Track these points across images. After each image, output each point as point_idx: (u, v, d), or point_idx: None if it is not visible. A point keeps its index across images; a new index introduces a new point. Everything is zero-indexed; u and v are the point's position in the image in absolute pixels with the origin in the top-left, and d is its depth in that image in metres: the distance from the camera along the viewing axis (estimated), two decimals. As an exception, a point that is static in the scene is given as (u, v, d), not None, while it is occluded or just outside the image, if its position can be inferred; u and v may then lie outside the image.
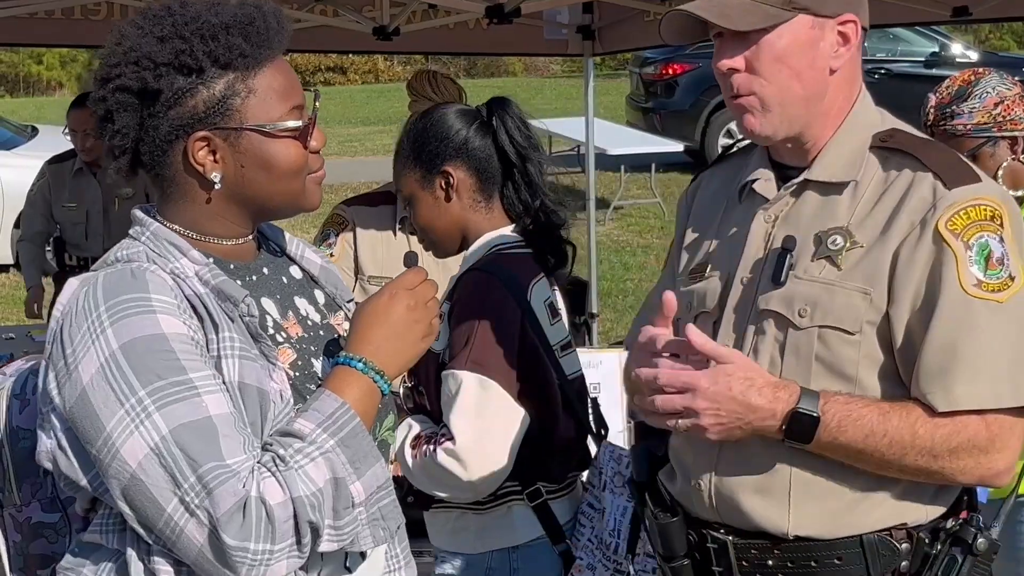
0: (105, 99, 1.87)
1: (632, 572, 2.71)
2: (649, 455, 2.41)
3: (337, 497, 1.77)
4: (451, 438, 2.61)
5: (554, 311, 2.83)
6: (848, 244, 2.13)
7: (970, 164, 2.19)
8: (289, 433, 1.79)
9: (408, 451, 2.69)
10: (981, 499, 2.29)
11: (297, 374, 1.93)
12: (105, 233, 6.48)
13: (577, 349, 2.96)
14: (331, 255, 3.94)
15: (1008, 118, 3.35)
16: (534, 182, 2.83)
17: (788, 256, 2.16)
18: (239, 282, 1.93)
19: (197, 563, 1.75)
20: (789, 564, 2.17)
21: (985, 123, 3.36)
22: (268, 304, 1.97)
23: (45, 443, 1.85)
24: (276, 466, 1.75)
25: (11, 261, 10.44)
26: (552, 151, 14.94)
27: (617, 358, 4.20)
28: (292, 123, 1.89)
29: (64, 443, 1.82)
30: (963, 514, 2.20)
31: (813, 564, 2.16)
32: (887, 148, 2.17)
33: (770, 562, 2.18)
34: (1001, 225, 2.09)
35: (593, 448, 2.91)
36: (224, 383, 1.80)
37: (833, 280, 2.13)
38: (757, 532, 2.19)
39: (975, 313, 2.05)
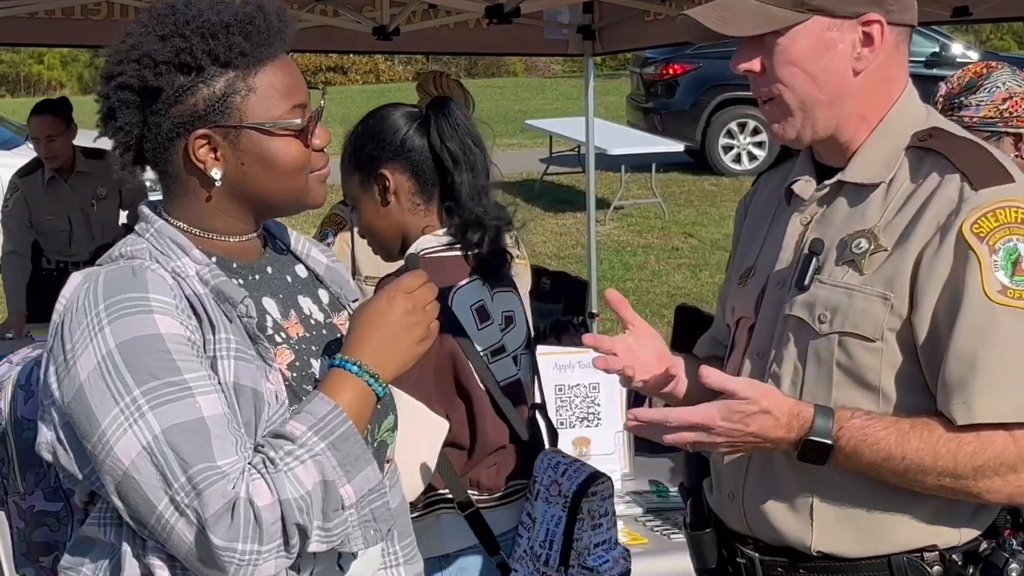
0: (108, 96, 1.89)
1: (565, 584, 2.62)
2: (700, 461, 2.34)
3: (326, 500, 1.78)
4: None
5: (484, 315, 2.77)
6: (872, 248, 2.04)
7: (1004, 163, 2.06)
8: (281, 435, 1.79)
9: None
10: None
11: (294, 375, 1.93)
12: (88, 237, 6.44)
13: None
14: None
15: (1015, 114, 3.28)
16: (457, 187, 2.74)
17: (815, 259, 2.09)
18: (241, 281, 1.93)
19: (187, 560, 1.77)
20: None
21: (991, 117, 3.28)
22: (269, 304, 1.97)
23: (45, 435, 1.86)
24: (266, 468, 1.76)
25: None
26: (552, 151, 14.99)
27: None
28: (293, 121, 1.89)
29: (62, 436, 1.83)
30: (1007, 532, 2.08)
31: None
32: (923, 148, 2.08)
33: None
34: None
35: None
36: (219, 383, 1.80)
37: (854, 285, 2.04)
38: (783, 548, 2.13)
39: (998, 321, 1.94)
